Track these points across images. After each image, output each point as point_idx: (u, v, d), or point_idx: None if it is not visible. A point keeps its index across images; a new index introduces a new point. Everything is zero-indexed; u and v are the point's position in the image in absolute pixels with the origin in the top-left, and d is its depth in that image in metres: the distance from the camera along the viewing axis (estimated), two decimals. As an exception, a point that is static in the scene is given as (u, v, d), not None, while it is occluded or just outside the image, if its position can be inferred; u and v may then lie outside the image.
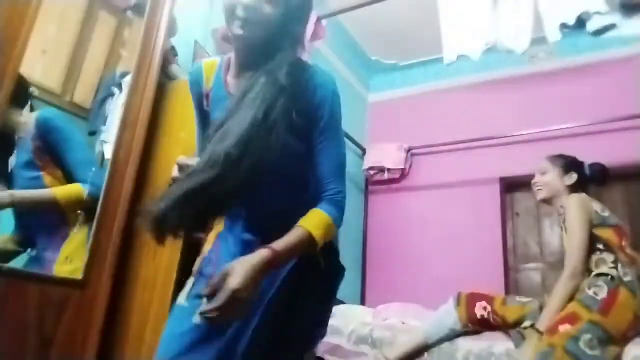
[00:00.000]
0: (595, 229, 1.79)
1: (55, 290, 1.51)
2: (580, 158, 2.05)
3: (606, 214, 1.84)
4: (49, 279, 1.52)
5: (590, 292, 1.65)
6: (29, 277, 1.46)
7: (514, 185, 3.77)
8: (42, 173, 1.61)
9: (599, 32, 2.23)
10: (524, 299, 1.91)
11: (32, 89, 1.64)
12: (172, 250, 1.67)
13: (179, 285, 1.63)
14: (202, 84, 1.12)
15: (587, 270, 1.74)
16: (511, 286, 3.57)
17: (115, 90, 1.89)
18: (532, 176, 2.10)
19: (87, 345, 1.54)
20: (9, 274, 1.40)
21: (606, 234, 1.79)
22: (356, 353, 2.25)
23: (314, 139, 1.04)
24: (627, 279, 1.67)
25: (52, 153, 1.63)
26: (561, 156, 2.04)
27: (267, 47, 1.04)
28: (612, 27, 2.19)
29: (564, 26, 2.31)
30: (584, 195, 1.88)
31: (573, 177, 1.96)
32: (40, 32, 1.55)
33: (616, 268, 1.70)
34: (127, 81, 1.85)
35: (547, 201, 2.02)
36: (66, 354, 1.49)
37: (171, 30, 2.06)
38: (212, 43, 2.72)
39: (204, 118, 1.12)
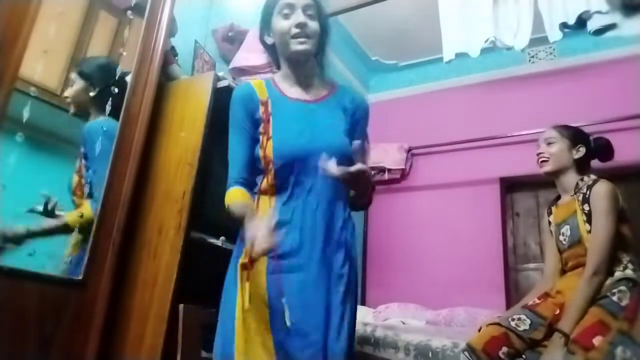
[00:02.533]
0: (619, 223, 1.66)
1: (55, 290, 1.51)
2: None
3: (626, 207, 1.73)
4: (49, 279, 1.52)
5: (614, 298, 1.56)
6: (29, 277, 1.46)
7: (514, 185, 3.76)
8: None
9: (599, 32, 2.23)
10: (535, 317, 1.69)
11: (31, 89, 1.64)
12: (172, 250, 1.67)
13: (179, 285, 1.64)
14: (256, 96, 1.35)
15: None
16: (511, 286, 3.56)
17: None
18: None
19: (87, 345, 1.54)
20: (9, 274, 1.40)
21: (625, 229, 1.69)
22: (359, 353, 2.24)
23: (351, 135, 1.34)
24: None
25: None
26: (568, 127, 1.89)
27: (314, 56, 1.35)
28: (612, 26, 2.19)
29: (564, 25, 2.31)
30: (611, 184, 1.72)
31: (581, 151, 1.83)
32: (40, 32, 1.55)
33: (635, 270, 1.62)
34: (127, 81, 1.85)
35: (552, 174, 1.87)
36: (66, 354, 1.49)
37: (171, 30, 2.06)
38: (212, 43, 2.73)
39: (254, 124, 1.33)
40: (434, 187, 3.95)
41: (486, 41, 2.50)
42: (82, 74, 1.81)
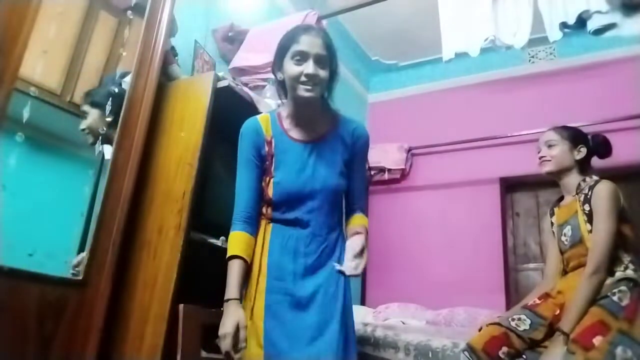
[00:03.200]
0: (619, 223, 1.66)
1: (55, 290, 1.51)
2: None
3: (627, 207, 1.73)
4: (49, 279, 1.52)
5: (615, 298, 1.56)
6: (29, 277, 1.46)
7: (514, 185, 3.77)
8: None
9: (599, 32, 2.23)
10: (535, 317, 1.69)
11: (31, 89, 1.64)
12: (172, 250, 1.67)
13: (179, 285, 1.64)
14: (262, 133, 1.46)
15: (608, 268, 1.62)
16: (511, 286, 3.56)
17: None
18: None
19: (87, 345, 1.54)
20: (9, 274, 1.40)
21: (626, 229, 1.69)
22: (359, 353, 2.24)
23: (351, 172, 1.52)
24: None
25: None
26: (568, 128, 1.91)
27: (319, 101, 1.46)
28: (612, 26, 2.19)
29: (564, 25, 2.31)
30: (614, 184, 1.72)
31: (582, 152, 1.84)
32: (40, 32, 1.55)
33: (635, 270, 1.62)
34: (127, 81, 1.85)
35: (554, 174, 1.88)
36: (66, 354, 1.49)
37: (171, 30, 2.06)
38: (212, 43, 2.73)
39: (260, 158, 1.46)
40: (434, 187, 3.95)
41: (486, 40, 2.50)
42: (94, 104, 1.83)
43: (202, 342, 1.60)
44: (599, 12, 2.17)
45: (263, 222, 1.45)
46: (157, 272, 1.67)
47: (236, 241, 1.40)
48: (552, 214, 1.95)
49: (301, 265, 1.38)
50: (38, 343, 1.43)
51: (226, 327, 1.28)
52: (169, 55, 2.06)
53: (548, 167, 1.87)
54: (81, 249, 1.70)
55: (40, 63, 1.66)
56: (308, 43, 1.39)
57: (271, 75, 2.46)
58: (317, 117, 1.49)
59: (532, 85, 3.75)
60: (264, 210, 1.46)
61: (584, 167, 1.86)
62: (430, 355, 2.06)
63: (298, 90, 1.39)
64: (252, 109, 1.98)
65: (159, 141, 1.89)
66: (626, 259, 1.65)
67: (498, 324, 1.69)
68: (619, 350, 1.44)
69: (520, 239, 3.75)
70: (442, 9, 2.66)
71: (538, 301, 1.76)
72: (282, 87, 1.50)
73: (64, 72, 1.82)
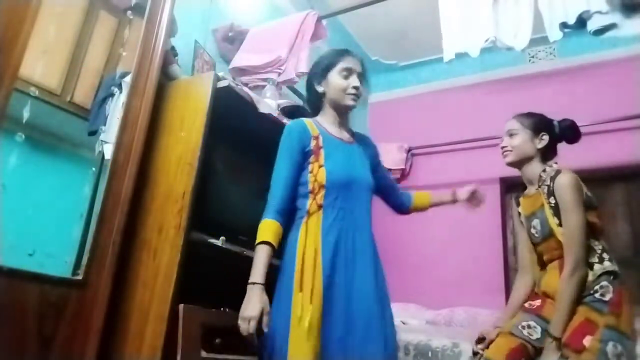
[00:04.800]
0: (585, 211, 1.63)
1: (55, 290, 1.51)
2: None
3: (590, 193, 1.70)
4: (49, 279, 1.52)
5: (598, 295, 1.54)
6: (29, 277, 1.46)
7: (514, 185, 3.76)
8: None
9: (599, 32, 2.23)
10: (544, 323, 1.64)
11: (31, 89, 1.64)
12: (172, 250, 1.67)
13: (179, 285, 1.64)
14: (309, 130, 1.61)
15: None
16: (511, 286, 3.56)
17: (115, 90, 1.89)
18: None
19: (87, 345, 1.54)
20: (9, 274, 1.40)
21: (593, 217, 1.65)
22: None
23: (381, 173, 1.82)
24: (620, 271, 1.60)
25: None
26: (530, 115, 1.89)
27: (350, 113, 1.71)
28: (612, 26, 2.19)
29: (564, 25, 2.31)
30: (573, 173, 1.70)
31: (544, 140, 1.81)
32: (40, 32, 1.55)
33: (611, 260, 1.61)
34: (127, 81, 1.85)
35: (515, 164, 1.87)
36: (66, 354, 1.49)
37: (171, 30, 2.06)
38: (212, 43, 2.73)
39: (303, 155, 1.58)
40: (434, 187, 3.94)
41: (486, 41, 2.50)
42: None
43: (202, 342, 1.60)
44: (599, 12, 2.17)
45: (312, 213, 1.52)
46: (157, 272, 1.67)
47: (267, 228, 1.47)
48: (517, 204, 1.93)
49: (350, 252, 1.49)
50: (38, 343, 1.43)
51: (251, 311, 1.34)
52: (169, 55, 2.06)
53: (509, 158, 1.86)
54: (81, 249, 1.70)
55: (40, 63, 1.66)
56: (353, 62, 1.64)
57: (271, 75, 2.48)
58: (347, 126, 1.73)
59: (532, 85, 3.75)
60: (312, 205, 1.52)
61: (546, 155, 1.82)
62: (430, 355, 2.06)
63: (345, 100, 1.63)
64: (252, 109, 1.98)
65: (159, 141, 1.89)
66: (598, 247, 1.63)
67: (511, 334, 1.64)
68: (609, 347, 1.44)
69: (520, 239, 3.75)
70: (443, 10, 2.66)
71: (538, 302, 1.72)
72: (318, 99, 1.69)
73: (64, 72, 1.82)
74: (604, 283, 1.56)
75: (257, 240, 1.45)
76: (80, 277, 1.59)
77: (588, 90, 3.49)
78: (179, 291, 1.61)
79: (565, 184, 1.64)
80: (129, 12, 2.01)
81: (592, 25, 2.24)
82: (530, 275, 1.82)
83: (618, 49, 3.42)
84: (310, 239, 1.47)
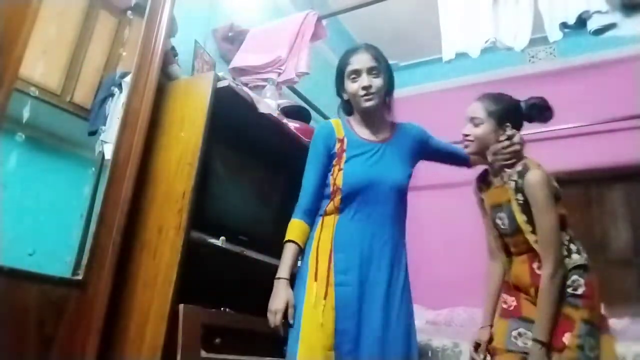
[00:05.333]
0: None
1: (55, 290, 1.51)
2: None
3: (556, 183, 1.64)
4: (49, 279, 1.52)
5: (570, 290, 1.52)
6: (29, 277, 1.46)
7: (514, 185, 3.76)
8: None
9: (599, 32, 2.23)
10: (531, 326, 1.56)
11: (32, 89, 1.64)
12: (172, 250, 1.67)
13: (179, 285, 1.64)
14: (334, 133, 1.64)
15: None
16: (511, 286, 3.56)
17: (115, 90, 1.89)
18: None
19: (87, 345, 1.54)
20: (9, 274, 1.40)
21: (560, 208, 1.60)
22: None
23: (429, 146, 1.92)
24: (588, 261, 1.56)
25: None
26: (497, 100, 1.76)
27: (380, 109, 1.65)
28: (612, 26, 2.19)
29: (564, 25, 2.31)
30: (540, 167, 1.64)
31: (508, 131, 1.71)
32: (40, 32, 1.55)
33: (579, 252, 1.57)
34: (127, 81, 1.85)
35: (476, 154, 1.79)
36: (66, 354, 1.49)
37: (171, 30, 2.06)
38: (212, 43, 2.72)
39: (329, 157, 1.61)
40: (434, 187, 3.95)
41: (486, 41, 2.50)
42: None
43: (202, 342, 1.60)
44: (599, 12, 2.17)
45: (330, 213, 1.55)
46: (157, 272, 1.67)
47: (295, 228, 1.53)
48: (480, 189, 1.86)
49: (366, 255, 1.50)
50: (38, 343, 1.43)
51: (277, 304, 1.42)
52: (169, 55, 2.06)
53: (471, 149, 1.78)
54: (81, 249, 1.70)
55: (40, 63, 1.66)
56: (359, 61, 1.60)
57: (271, 75, 2.48)
58: (381, 122, 1.68)
59: (532, 85, 3.74)
60: (330, 205, 1.55)
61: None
62: (430, 355, 2.06)
63: (361, 103, 1.60)
64: (252, 109, 1.98)
65: (159, 141, 1.89)
66: (566, 238, 1.58)
67: (508, 350, 1.58)
68: (587, 341, 1.44)
69: (520, 239, 3.74)
70: (442, 10, 2.66)
71: (512, 301, 1.66)
72: (348, 106, 1.69)
73: (64, 72, 1.82)
74: (575, 277, 1.53)
75: (285, 239, 1.52)
76: (80, 277, 1.59)
77: (588, 90, 3.49)
78: (179, 291, 1.61)
79: (536, 182, 1.57)
80: (129, 12, 2.01)
81: (592, 25, 2.24)
82: (499, 261, 1.78)
83: (618, 49, 3.42)
84: (324, 237, 1.52)
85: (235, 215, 2.01)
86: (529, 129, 3.64)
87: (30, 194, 1.69)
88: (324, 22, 2.76)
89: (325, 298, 1.42)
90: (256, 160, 2.21)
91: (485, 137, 1.72)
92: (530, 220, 1.59)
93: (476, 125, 1.75)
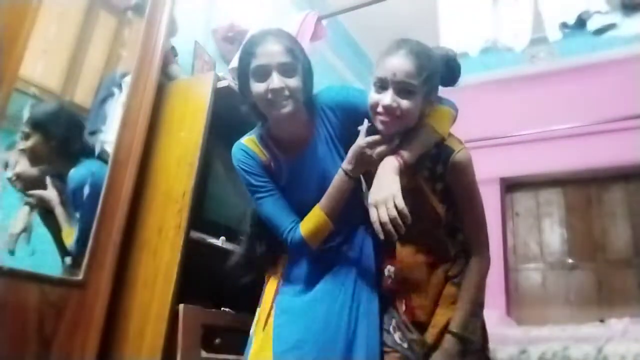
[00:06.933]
0: None
1: (55, 290, 1.50)
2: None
3: None
4: (49, 279, 1.52)
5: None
6: (29, 277, 1.46)
7: (514, 185, 3.77)
8: None
9: (599, 31, 2.24)
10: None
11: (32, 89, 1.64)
12: (172, 250, 1.67)
13: (179, 285, 1.64)
14: (258, 158, 1.36)
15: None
16: (511, 286, 3.57)
17: (115, 90, 1.89)
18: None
19: (87, 345, 1.54)
20: (9, 274, 1.40)
21: None
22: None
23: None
24: None
25: None
26: (426, 55, 1.25)
27: (300, 112, 1.32)
28: (612, 26, 2.20)
29: (564, 25, 2.32)
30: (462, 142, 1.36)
31: (434, 103, 1.31)
32: (40, 32, 1.55)
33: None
34: (127, 81, 1.85)
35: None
36: (66, 354, 1.49)
37: (171, 30, 2.06)
38: (212, 43, 2.73)
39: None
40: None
41: (486, 42, 2.51)
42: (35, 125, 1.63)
43: (202, 342, 1.60)
44: (599, 12, 2.18)
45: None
46: (157, 271, 1.67)
47: (310, 217, 1.27)
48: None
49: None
50: (38, 343, 1.43)
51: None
52: (169, 55, 2.06)
53: (395, 128, 1.22)
54: (81, 249, 1.70)
55: (40, 63, 1.66)
56: (266, 53, 1.22)
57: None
58: (301, 125, 1.33)
59: (532, 85, 3.75)
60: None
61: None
62: (430, 355, 2.06)
63: (271, 110, 1.25)
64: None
65: (159, 141, 1.89)
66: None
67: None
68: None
69: (520, 239, 3.75)
70: (442, 10, 2.67)
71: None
72: (257, 111, 1.32)
73: (64, 72, 1.82)
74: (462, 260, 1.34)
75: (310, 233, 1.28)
76: (80, 277, 1.58)
77: (588, 90, 3.49)
78: (179, 291, 1.61)
79: (465, 162, 1.27)
80: (129, 12, 2.01)
81: (592, 25, 2.25)
82: None
83: (618, 49, 3.42)
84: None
85: (235, 215, 2.01)
86: (529, 129, 3.64)
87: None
88: (324, 22, 2.76)
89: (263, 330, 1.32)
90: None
91: (414, 112, 1.21)
92: (463, 209, 1.35)
93: (409, 94, 1.19)
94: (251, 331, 1.37)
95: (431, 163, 1.29)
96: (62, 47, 1.82)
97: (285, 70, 1.23)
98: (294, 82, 1.23)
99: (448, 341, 1.25)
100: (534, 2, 2.43)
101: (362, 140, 1.21)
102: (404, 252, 1.33)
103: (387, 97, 1.16)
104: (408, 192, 1.20)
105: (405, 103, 1.17)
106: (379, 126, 1.19)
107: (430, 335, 1.29)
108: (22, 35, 1.43)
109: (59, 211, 1.62)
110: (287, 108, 1.23)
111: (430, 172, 1.29)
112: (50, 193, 1.62)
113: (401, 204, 1.11)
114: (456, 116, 1.39)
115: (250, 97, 1.29)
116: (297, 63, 1.25)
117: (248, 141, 1.37)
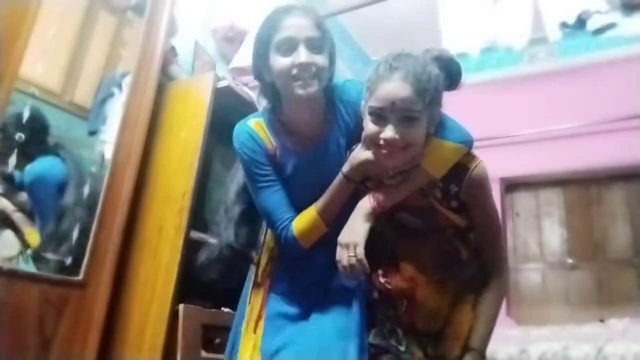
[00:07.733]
0: None
1: (55, 290, 1.51)
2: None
3: None
4: (49, 279, 1.52)
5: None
6: (29, 277, 1.46)
7: (514, 185, 3.77)
8: None
9: (599, 31, 2.24)
10: None
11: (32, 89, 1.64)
12: (172, 250, 1.67)
13: (179, 285, 1.64)
14: (262, 143, 1.24)
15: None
16: (511, 286, 3.56)
17: (115, 90, 1.89)
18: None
19: (87, 345, 1.54)
20: (9, 274, 1.40)
21: None
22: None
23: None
24: None
25: None
26: (426, 79, 1.13)
27: (321, 97, 1.22)
28: (612, 26, 2.20)
29: (564, 25, 2.32)
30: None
31: (437, 119, 1.18)
32: (40, 32, 1.55)
33: None
34: (127, 81, 1.85)
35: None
36: (66, 354, 1.49)
37: (171, 30, 2.06)
38: (212, 43, 2.72)
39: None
40: (434, 187, 3.95)
41: (486, 42, 2.51)
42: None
43: (202, 342, 1.60)
44: (598, 12, 2.18)
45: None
46: (157, 271, 1.67)
47: (301, 217, 1.17)
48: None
49: None
50: (38, 343, 1.43)
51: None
52: (169, 55, 2.06)
53: (400, 160, 1.09)
54: (81, 249, 1.70)
55: (40, 63, 1.66)
56: (293, 25, 1.12)
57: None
58: (319, 114, 1.21)
59: (532, 85, 3.75)
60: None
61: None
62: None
63: (294, 89, 1.11)
64: (252, 109, 1.98)
65: (159, 141, 1.89)
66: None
67: None
68: None
69: (520, 239, 3.75)
70: (442, 10, 2.67)
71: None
72: (272, 92, 1.21)
73: (64, 72, 1.82)
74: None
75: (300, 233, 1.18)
76: (80, 277, 1.59)
77: (588, 90, 3.49)
78: (179, 291, 1.62)
79: (483, 176, 1.19)
80: (129, 12, 2.01)
81: (592, 25, 2.25)
82: None
83: (618, 49, 3.41)
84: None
85: (235, 215, 2.01)
86: (528, 129, 3.65)
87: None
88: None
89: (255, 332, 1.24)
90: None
91: (421, 139, 1.09)
92: (479, 222, 1.27)
93: (411, 122, 1.05)
94: (241, 329, 1.26)
95: (443, 182, 1.18)
96: (62, 47, 1.82)
97: (314, 47, 1.11)
98: (321, 59, 1.12)
99: (471, 358, 1.16)
100: (534, 2, 2.43)
101: (362, 153, 1.11)
102: (418, 280, 1.18)
103: (389, 131, 1.02)
104: (421, 211, 1.17)
105: (409, 133, 1.04)
106: (382, 160, 1.07)
107: (452, 347, 1.19)
108: (22, 35, 1.43)
109: (17, 217, 1.60)
110: (313, 87, 1.11)
111: (443, 192, 1.19)
112: (1, 202, 1.59)
113: (361, 254, 1.06)
114: (469, 149, 1.21)
115: (268, 74, 1.16)
116: (325, 40, 1.15)
117: (255, 124, 1.23)
